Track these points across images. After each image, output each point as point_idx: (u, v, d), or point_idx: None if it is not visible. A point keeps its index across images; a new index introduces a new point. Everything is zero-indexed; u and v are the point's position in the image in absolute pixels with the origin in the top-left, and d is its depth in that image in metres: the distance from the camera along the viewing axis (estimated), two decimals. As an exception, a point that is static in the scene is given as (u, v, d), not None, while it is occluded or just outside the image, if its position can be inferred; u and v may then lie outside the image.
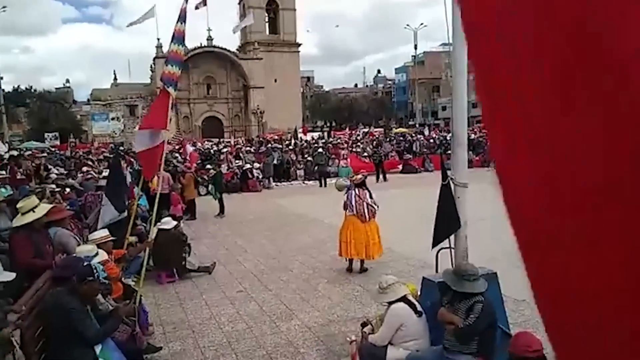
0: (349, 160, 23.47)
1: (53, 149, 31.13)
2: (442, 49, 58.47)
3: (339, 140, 30.81)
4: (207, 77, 55.75)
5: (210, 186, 15.63)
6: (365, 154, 25.96)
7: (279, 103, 56.38)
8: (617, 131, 0.47)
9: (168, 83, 6.06)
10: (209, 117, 56.57)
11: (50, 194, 9.00)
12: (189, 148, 18.77)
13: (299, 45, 63.00)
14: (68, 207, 8.54)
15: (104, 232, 6.36)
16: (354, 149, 26.82)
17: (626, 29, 0.45)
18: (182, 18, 6.14)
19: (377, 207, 7.95)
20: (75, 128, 55.30)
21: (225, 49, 55.53)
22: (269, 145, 26.47)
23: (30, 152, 21.54)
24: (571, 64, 0.48)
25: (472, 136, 24.45)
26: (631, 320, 0.50)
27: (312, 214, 13.87)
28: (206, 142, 34.64)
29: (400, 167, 24.01)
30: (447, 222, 4.61)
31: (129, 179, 11.30)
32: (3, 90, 42.82)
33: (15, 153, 19.45)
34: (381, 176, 20.64)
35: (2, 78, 41.58)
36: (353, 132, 40.33)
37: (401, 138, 30.98)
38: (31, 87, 61.77)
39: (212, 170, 15.86)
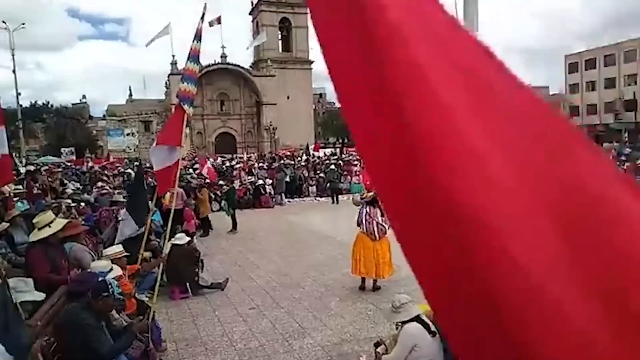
0: (361, 177, 23.47)
1: (69, 164, 31.54)
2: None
3: (350, 157, 30.85)
4: (220, 94, 56.37)
5: (223, 202, 15.72)
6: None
7: (292, 119, 56.74)
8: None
9: (184, 100, 6.14)
10: (222, 133, 57.07)
11: (66, 209, 9.11)
12: (207, 166, 18.69)
13: (312, 62, 63.55)
14: (83, 222, 8.64)
15: (118, 248, 6.42)
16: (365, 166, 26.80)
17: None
18: (197, 37, 6.25)
19: (387, 226, 7.87)
20: (91, 143, 56.00)
21: (238, 66, 56.21)
22: (282, 161, 26.57)
23: (47, 167, 21.83)
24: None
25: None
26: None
27: (324, 231, 13.85)
28: (219, 158, 34.86)
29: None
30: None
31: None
32: (20, 105, 43.63)
33: (31, 168, 19.77)
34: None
35: (20, 94, 42.42)
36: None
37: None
38: (48, 102, 62.73)
39: (225, 187, 15.94)
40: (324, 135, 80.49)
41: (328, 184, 21.90)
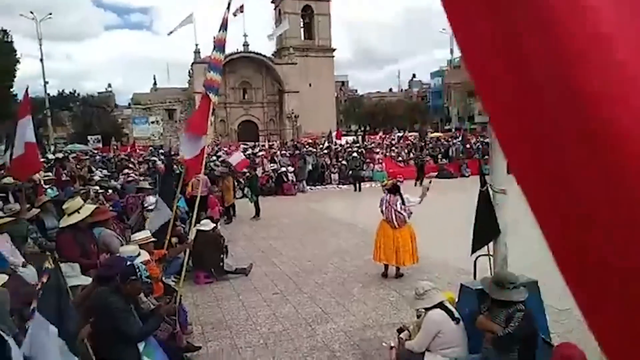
0: (384, 164, 23.36)
1: (95, 152, 32.13)
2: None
3: (373, 145, 30.69)
4: (243, 82, 56.49)
5: (246, 189, 15.86)
6: (400, 158, 25.76)
7: (314, 107, 56.60)
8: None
9: (210, 89, 6.21)
10: (245, 121, 57.28)
11: (94, 195, 9.32)
12: (238, 155, 17.74)
13: (334, 50, 63.14)
14: (111, 209, 8.82)
15: (146, 233, 6.53)
16: (388, 153, 26.65)
17: None
18: (223, 27, 6.28)
19: (406, 214, 7.85)
20: (117, 131, 56.92)
21: (261, 54, 56.17)
22: (304, 149, 26.59)
23: (74, 155, 22.30)
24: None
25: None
26: None
27: (346, 218, 13.88)
28: (242, 146, 35.06)
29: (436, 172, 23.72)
30: (485, 228, 4.54)
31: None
32: (48, 94, 44.52)
33: (60, 155, 20.22)
34: (418, 181, 20.51)
35: (47, 83, 43.29)
36: (387, 136, 40.07)
37: (436, 142, 30.61)
38: (75, 91, 63.93)
39: (248, 174, 16.07)
40: (346, 123, 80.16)
41: (350, 172, 21.88)
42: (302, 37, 62.18)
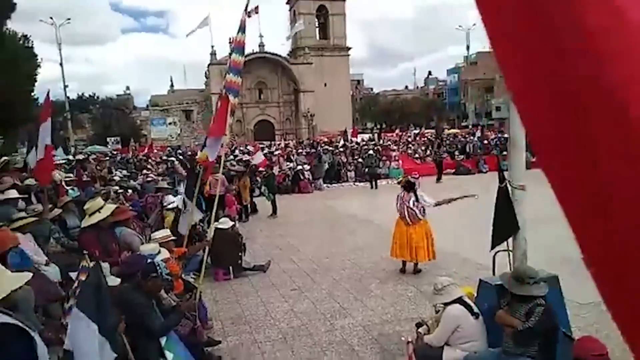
0: (400, 161, 23.27)
1: (115, 153, 32.56)
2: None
3: (389, 142, 30.57)
4: (259, 82, 56.75)
5: (263, 187, 15.96)
6: (417, 155, 25.64)
7: (329, 106, 56.62)
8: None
9: (230, 91, 6.27)
10: (261, 120, 57.56)
11: (115, 195, 9.47)
12: (259, 155, 18.18)
13: (349, 49, 63.05)
14: (130, 208, 8.95)
15: (166, 232, 6.64)
16: (404, 151, 26.55)
17: None
18: (242, 29, 6.34)
19: (418, 211, 7.82)
20: (135, 133, 57.59)
21: (276, 55, 56.36)
22: (320, 147, 26.60)
23: (94, 156, 22.64)
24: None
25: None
26: None
27: (362, 215, 13.88)
28: (258, 145, 35.21)
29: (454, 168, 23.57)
30: (505, 224, 4.53)
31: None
32: (68, 97, 45.29)
33: (81, 157, 20.54)
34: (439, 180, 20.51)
35: (67, 86, 44.01)
36: (403, 133, 39.90)
37: (452, 139, 30.38)
38: (94, 94, 65.06)
39: (265, 172, 16.17)
40: (362, 121, 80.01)
41: (366, 169, 21.84)
42: (317, 37, 62.24)
